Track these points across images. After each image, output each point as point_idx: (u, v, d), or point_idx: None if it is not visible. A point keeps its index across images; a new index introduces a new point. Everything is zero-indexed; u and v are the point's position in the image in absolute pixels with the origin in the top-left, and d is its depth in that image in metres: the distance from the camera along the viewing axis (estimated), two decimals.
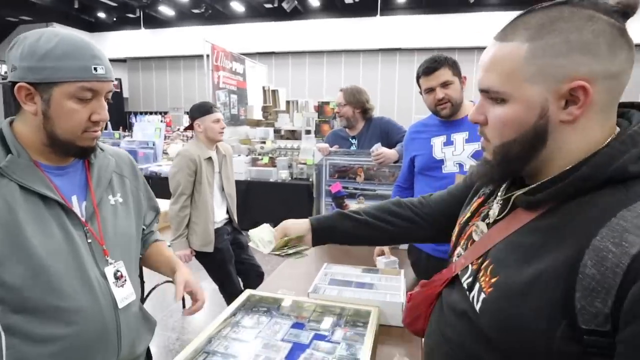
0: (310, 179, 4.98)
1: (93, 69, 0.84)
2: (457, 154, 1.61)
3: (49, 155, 0.89)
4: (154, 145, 5.51)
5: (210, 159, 2.25)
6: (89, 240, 0.91)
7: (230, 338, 1.25)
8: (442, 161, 1.63)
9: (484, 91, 0.59)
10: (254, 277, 2.47)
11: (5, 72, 0.85)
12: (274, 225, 1.15)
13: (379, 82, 12.13)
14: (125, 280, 0.99)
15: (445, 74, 1.57)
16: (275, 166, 5.10)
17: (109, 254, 0.95)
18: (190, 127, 2.29)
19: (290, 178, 5.05)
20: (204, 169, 2.20)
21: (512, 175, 0.62)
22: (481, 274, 0.62)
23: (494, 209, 0.67)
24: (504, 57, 0.55)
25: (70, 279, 0.86)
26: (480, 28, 10.69)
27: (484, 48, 0.62)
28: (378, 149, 2.17)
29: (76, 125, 0.85)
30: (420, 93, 1.67)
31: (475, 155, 1.58)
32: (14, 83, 0.81)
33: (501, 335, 0.57)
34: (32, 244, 0.81)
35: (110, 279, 0.95)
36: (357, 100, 2.38)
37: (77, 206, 0.92)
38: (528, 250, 0.55)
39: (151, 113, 13.68)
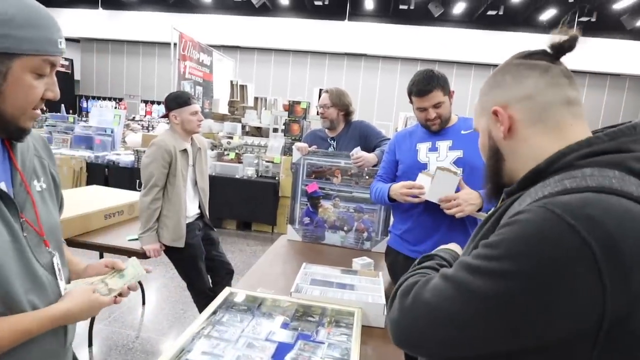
0: (277, 178, 4.94)
1: (58, 42, 0.77)
2: (441, 160, 1.68)
3: None
4: (112, 132, 5.21)
5: (185, 151, 2.17)
6: (25, 234, 0.80)
7: (213, 337, 1.22)
8: (425, 165, 1.70)
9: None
10: (224, 274, 2.41)
11: None
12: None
13: (343, 86, 12.27)
14: (61, 273, 0.90)
15: (437, 95, 1.63)
16: (241, 162, 5.01)
17: (49, 244, 0.86)
18: (165, 117, 2.20)
19: (256, 175, 4.98)
20: (179, 161, 2.12)
21: (500, 187, 0.74)
22: None
23: (493, 210, 0.78)
24: (475, 104, 0.80)
25: (20, 277, 0.76)
26: (442, 42, 11.16)
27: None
28: (357, 152, 2.20)
29: (29, 102, 0.76)
30: (411, 102, 1.72)
31: (458, 162, 1.66)
32: None
33: None
34: None
35: (57, 272, 0.87)
36: (342, 103, 2.40)
37: (9, 193, 0.79)
38: (481, 226, 0.71)
39: (105, 98, 12.94)
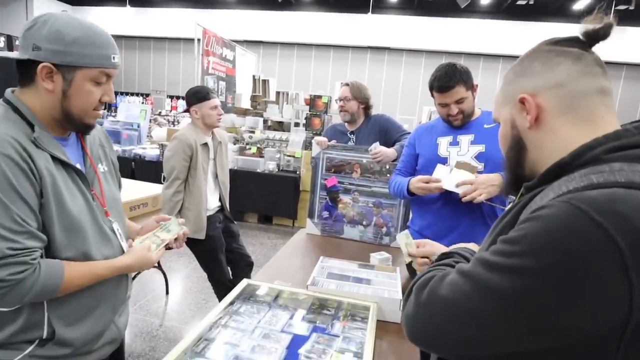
0: (298, 172, 4.96)
1: (112, 57, 0.97)
2: (462, 154, 1.65)
3: (56, 128, 0.98)
4: (138, 127, 5.35)
5: (206, 144, 2.21)
6: (95, 203, 1.04)
7: (230, 327, 1.24)
8: (445, 159, 1.67)
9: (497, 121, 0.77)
10: (244, 266, 2.45)
11: None
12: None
13: (366, 80, 12.16)
14: (122, 237, 1.12)
15: (459, 91, 1.59)
16: (262, 157, 5.06)
17: (110, 214, 1.09)
18: (187, 111, 2.24)
19: (277, 169, 5.02)
20: (200, 155, 2.16)
21: (521, 179, 0.71)
22: None
23: (512, 203, 0.77)
24: (496, 94, 0.76)
25: (94, 234, 1.00)
26: (468, 34, 10.87)
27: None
28: (376, 147, 2.18)
29: (90, 104, 0.97)
30: (432, 95, 1.69)
31: (479, 156, 1.62)
32: (33, 61, 0.89)
33: None
34: (68, 205, 0.94)
35: (117, 233, 1.10)
36: (363, 96, 2.38)
37: (82, 172, 1.03)
38: (500, 220, 0.68)
39: (132, 94, 13.29)
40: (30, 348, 0.94)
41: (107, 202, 1.08)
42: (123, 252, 1.10)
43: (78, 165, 1.01)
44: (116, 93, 13.72)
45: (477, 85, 1.65)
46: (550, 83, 0.64)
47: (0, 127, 0.87)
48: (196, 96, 2.20)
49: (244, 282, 1.51)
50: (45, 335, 0.94)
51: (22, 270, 0.85)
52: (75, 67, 0.92)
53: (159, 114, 9.16)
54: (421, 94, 11.88)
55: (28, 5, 13.91)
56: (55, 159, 0.93)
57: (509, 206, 0.69)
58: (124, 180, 1.42)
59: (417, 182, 1.66)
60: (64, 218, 0.93)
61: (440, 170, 1.62)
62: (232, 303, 1.38)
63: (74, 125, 0.98)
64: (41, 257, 0.91)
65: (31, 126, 0.91)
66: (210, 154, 2.26)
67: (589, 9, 9.67)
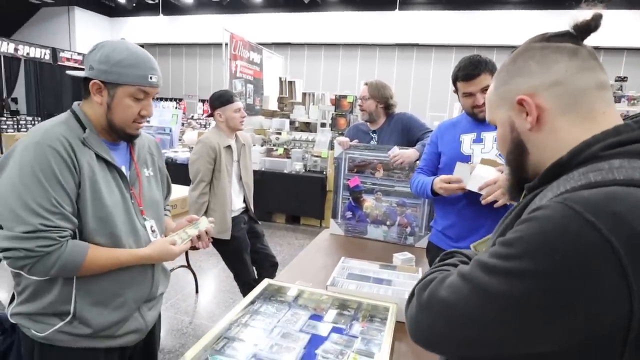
0: (324, 172, 4.97)
1: (149, 77, 1.10)
2: (486, 152, 1.60)
3: (107, 134, 1.14)
4: (170, 131, 5.54)
5: (229, 147, 2.26)
6: (132, 201, 1.17)
7: (250, 325, 1.26)
8: (469, 157, 1.62)
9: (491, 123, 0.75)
10: (268, 266, 2.49)
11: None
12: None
13: (394, 78, 12.02)
14: (157, 234, 1.24)
15: (485, 79, 1.54)
16: (289, 157, 5.11)
17: (145, 213, 1.21)
18: (210, 115, 2.30)
19: (304, 170, 5.05)
20: (223, 157, 2.21)
21: (524, 182, 0.69)
22: None
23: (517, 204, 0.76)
24: (488, 94, 0.74)
25: (124, 226, 1.12)
26: (500, 26, 10.50)
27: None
28: (394, 151, 2.16)
29: (129, 117, 1.11)
30: (455, 92, 1.65)
31: None
32: (88, 78, 1.07)
33: None
34: (104, 197, 1.07)
35: (149, 231, 1.21)
36: (381, 95, 2.36)
37: (126, 174, 1.17)
38: (502, 221, 0.67)
39: (166, 99, 13.77)
40: (60, 324, 1.06)
41: (145, 202, 1.21)
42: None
43: (123, 168, 1.16)
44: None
45: None
46: (548, 82, 0.62)
47: (57, 128, 1.04)
48: (220, 100, 2.25)
49: (264, 282, 1.53)
50: (72, 310, 1.06)
51: (50, 245, 0.97)
52: (117, 85, 1.07)
53: (192, 118, 9.43)
54: (452, 90, 11.58)
55: (70, 19, 14.69)
56: (99, 157, 1.09)
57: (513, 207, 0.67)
58: None
59: (439, 183, 1.62)
60: (98, 207, 1.06)
61: (460, 169, 1.58)
62: (252, 302, 1.40)
63: (117, 133, 1.13)
64: (72, 237, 1.03)
65: (84, 129, 1.08)
66: (234, 156, 2.31)
67: None
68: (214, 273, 3.53)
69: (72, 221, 1.02)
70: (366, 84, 2.42)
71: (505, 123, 0.68)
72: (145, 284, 1.21)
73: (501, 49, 10.62)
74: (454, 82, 1.63)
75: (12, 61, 12.81)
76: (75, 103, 1.14)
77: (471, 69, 1.55)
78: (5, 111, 14.27)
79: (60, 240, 0.99)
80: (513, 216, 0.62)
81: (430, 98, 12.06)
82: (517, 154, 0.67)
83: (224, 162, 2.21)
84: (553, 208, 0.51)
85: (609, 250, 0.45)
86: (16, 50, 12.73)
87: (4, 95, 13.27)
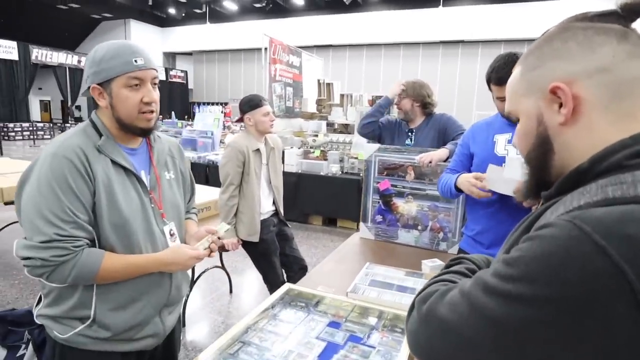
0: (361, 174, 4.91)
1: (134, 61, 1.06)
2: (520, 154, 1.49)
3: (124, 138, 1.14)
4: (212, 134, 5.73)
5: (258, 150, 2.28)
6: (152, 205, 1.17)
7: (267, 330, 1.25)
8: (503, 159, 1.52)
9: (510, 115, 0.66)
10: (297, 270, 2.48)
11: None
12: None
13: (439, 76, 11.68)
14: (176, 237, 1.25)
15: None
16: (326, 159, 5.10)
17: (165, 216, 1.21)
18: (240, 120, 2.34)
19: (340, 172, 5.02)
20: (252, 161, 2.23)
21: (542, 186, 0.61)
22: None
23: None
24: (510, 82, 0.64)
25: (141, 231, 1.13)
26: (551, 18, 9.88)
27: None
28: (422, 156, 2.10)
29: (132, 108, 1.08)
30: (490, 89, 1.56)
31: None
32: (89, 88, 1.09)
33: None
34: (120, 203, 1.08)
35: (167, 235, 1.21)
36: (416, 94, 2.32)
37: (145, 178, 1.17)
38: (517, 228, 0.60)
39: (213, 104, 14.30)
40: (81, 327, 1.08)
41: (166, 205, 1.21)
42: None
43: (143, 173, 1.17)
44: (198, 104, 14.84)
45: None
46: (592, 68, 0.52)
47: (74, 139, 1.07)
48: (249, 104, 2.28)
49: (285, 287, 1.52)
50: (92, 315, 1.08)
51: (64, 254, 0.99)
52: (110, 81, 1.06)
53: (237, 121, 9.71)
54: None
55: (127, 31, 15.70)
56: (115, 163, 1.09)
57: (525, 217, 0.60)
58: (198, 186, 1.60)
59: (468, 178, 1.54)
60: (114, 213, 1.06)
61: (492, 172, 1.48)
62: (273, 306, 1.39)
63: (130, 130, 1.12)
64: (88, 246, 1.04)
65: (101, 136, 1.09)
66: (263, 160, 2.33)
67: None
68: (248, 274, 3.59)
69: (88, 230, 1.04)
70: (404, 83, 2.40)
71: (532, 115, 0.58)
72: (164, 288, 1.21)
73: (513, 52, 9.96)
74: (488, 83, 1.54)
75: (75, 72, 13.90)
76: (94, 111, 1.16)
77: (504, 72, 1.45)
78: (70, 118, 15.55)
79: (74, 250, 1.00)
80: (522, 229, 0.56)
81: (477, 96, 11.58)
82: (540, 153, 0.58)
83: (253, 165, 2.23)
84: (560, 227, 0.44)
85: (621, 281, 0.39)
86: (79, 62, 13.83)
87: (69, 103, 14.41)
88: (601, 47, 0.52)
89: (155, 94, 1.11)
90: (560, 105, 0.55)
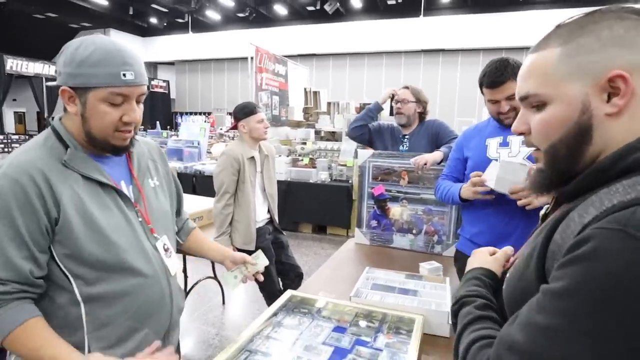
0: (350, 181, 4.94)
1: (122, 75, 0.88)
2: (513, 156, 1.54)
3: (93, 148, 0.96)
4: (198, 144, 5.69)
5: (252, 158, 2.28)
6: (140, 219, 1.02)
7: (272, 338, 1.24)
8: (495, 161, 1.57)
9: (524, 98, 0.60)
10: (293, 277, 2.47)
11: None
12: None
13: (421, 84, 11.88)
14: (171, 251, 1.09)
15: (511, 87, 1.48)
16: (315, 167, 5.12)
17: (155, 231, 1.05)
18: (234, 128, 2.33)
19: (329, 179, 5.04)
20: (247, 168, 2.23)
21: (564, 178, 0.59)
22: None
23: (546, 208, 0.68)
24: (539, 63, 0.58)
25: (133, 252, 0.97)
26: (529, 27, 10.22)
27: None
28: (416, 158, 2.14)
29: (108, 126, 0.91)
30: (482, 92, 1.61)
31: (531, 157, 1.50)
32: (59, 86, 0.90)
33: (508, 304, 0.61)
34: (101, 224, 0.92)
35: (161, 252, 1.05)
36: (422, 99, 2.37)
37: (126, 190, 1.01)
38: (539, 232, 0.59)
39: (196, 113, 14.18)
40: None
41: (154, 217, 1.06)
42: (165, 269, 1.05)
43: (123, 183, 1.01)
44: (182, 113, 14.68)
45: None
46: None
47: (30, 154, 0.89)
48: (243, 111, 2.28)
49: (287, 293, 1.51)
50: (86, 353, 0.92)
51: None
52: (87, 89, 0.88)
53: (220, 129, 9.66)
54: (480, 94, 11.34)
55: None
56: (87, 178, 0.92)
57: (542, 213, 0.61)
58: (186, 196, 1.51)
59: (467, 186, 1.58)
60: (95, 237, 0.90)
61: (492, 168, 1.52)
62: (275, 314, 1.38)
63: (100, 146, 0.94)
64: (26, 296, 0.85)
65: (67, 148, 0.92)
66: (258, 167, 2.33)
67: None
68: (240, 284, 3.55)
69: (23, 275, 0.84)
70: (407, 87, 2.42)
71: (575, 101, 0.54)
72: (165, 312, 1.07)
73: (505, 57, 10.30)
74: (480, 87, 1.59)
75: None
76: (57, 117, 0.97)
77: (496, 75, 1.50)
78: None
79: None
80: (547, 233, 0.54)
81: (457, 103, 11.83)
82: (575, 142, 0.55)
83: (248, 173, 2.22)
84: (608, 239, 0.42)
85: None
86: (56, 72, 13.50)
87: (46, 114, 14.07)
88: None
89: (139, 113, 0.94)
90: (609, 95, 0.52)
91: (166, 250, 1.07)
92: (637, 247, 0.41)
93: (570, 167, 0.56)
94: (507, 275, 0.65)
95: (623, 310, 0.40)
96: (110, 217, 0.94)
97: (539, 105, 0.58)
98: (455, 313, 0.70)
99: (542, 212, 0.68)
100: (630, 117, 0.52)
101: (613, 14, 0.53)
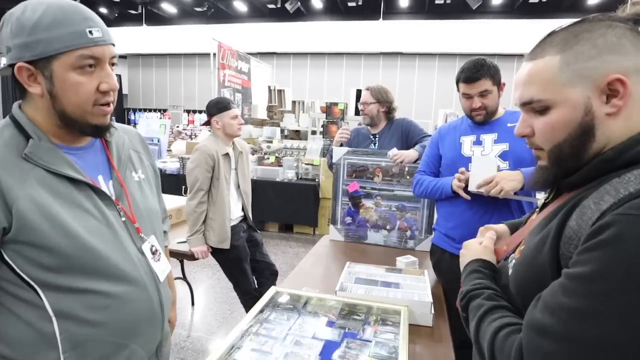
0: (317, 180, 4.97)
1: (88, 32, 0.75)
2: (486, 154, 1.63)
3: (66, 136, 0.83)
4: (158, 141, 5.47)
5: (227, 155, 2.24)
6: (123, 219, 0.89)
7: (261, 335, 1.24)
8: (469, 159, 1.65)
9: (527, 103, 0.64)
10: (268, 275, 2.46)
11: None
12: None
13: None
14: (160, 254, 0.97)
15: (485, 84, 1.59)
16: (281, 166, 5.09)
17: (142, 230, 0.93)
18: (207, 123, 2.28)
19: (296, 178, 5.04)
20: (222, 165, 2.18)
21: (567, 174, 0.64)
22: (518, 247, 0.71)
23: (544, 196, 0.73)
24: (540, 70, 0.62)
25: (115, 258, 0.84)
26: (481, 35, 10.78)
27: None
28: (394, 151, 2.19)
29: (85, 99, 0.78)
30: (458, 90, 1.69)
31: (503, 155, 1.60)
32: (12, 65, 0.74)
33: (519, 290, 0.64)
34: (73, 227, 0.78)
35: (148, 255, 0.93)
36: (384, 99, 2.41)
37: (105, 186, 0.88)
38: (547, 219, 0.62)
39: (150, 110, 13.61)
40: None
41: (140, 215, 0.93)
42: (153, 275, 0.93)
43: (101, 178, 0.88)
44: (135, 110, 14.03)
45: (504, 85, 1.64)
46: (639, 65, 0.57)
47: None
48: (217, 106, 2.23)
49: (272, 290, 1.51)
50: None
51: None
52: (49, 58, 0.73)
53: (178, 127, 9.35)
54: (436, 97, 11.80)
55: None
56: (54, 174, 0.78)
57: (546, 199, 0.66)
58: None
59: (456, 182, 1.63)
60: (69, 240, 0.78)
61: (477, 162, 1.59)
62: (261, 311, 1.37)
63: (78, 128, 0.81)
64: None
65: (29, 139, 0.78)
66: (232, 164, 2.29)
67: (603, 3, 9.38)
68: (209, 284, 3.46)
69: None
70: (367, 89, 2.46)
71: (578, 104, 0.59)
72: (155, 324, 0.93)
73: (483, 56, 10.87)
74: (457, 83, 1.67)
75: None
76: (15, 104, 0.82)
77: (473, 72, 1.59)
78: None
79: None
80: (560, 218, 0.58)
81: (415, 105, 12.24)
82: (580, 141, 0.60)
83: (222, 170, 2.18)
84: (631, 224, 0.46)
85: None
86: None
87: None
88: None
89: (115, 79, 0.81)
90: (608, 97, 0.58)
91: (154, 252, 0.94)
92: None
93: (575, 163, 0.61)
94: (514, 262, 0.68)
95: None
96: (84, 219, 0.80)
97: (542, 109, 0.62)
98: (464, 308, 0.73)
99: (540, 201, 0.73)
100: (626, 115, 0.58)
101: (603, 23, 0.59)
